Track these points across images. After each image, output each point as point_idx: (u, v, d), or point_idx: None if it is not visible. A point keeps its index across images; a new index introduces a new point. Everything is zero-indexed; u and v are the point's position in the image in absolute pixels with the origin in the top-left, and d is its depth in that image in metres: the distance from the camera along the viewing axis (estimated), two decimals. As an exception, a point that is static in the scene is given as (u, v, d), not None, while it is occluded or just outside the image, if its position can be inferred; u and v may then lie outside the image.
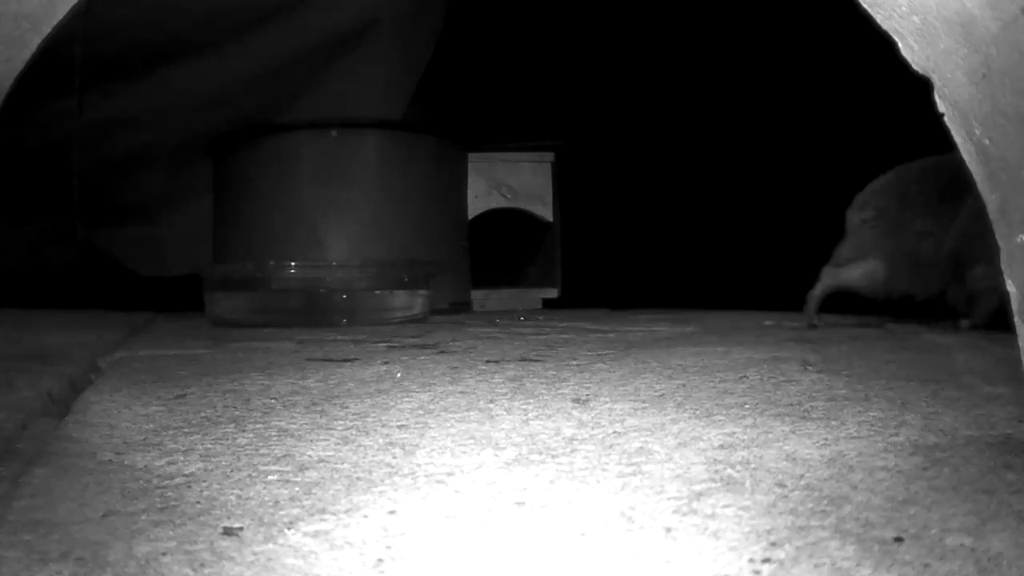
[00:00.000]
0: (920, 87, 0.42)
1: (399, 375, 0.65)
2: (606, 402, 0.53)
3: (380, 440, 0.44)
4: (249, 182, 1.43)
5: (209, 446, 0.43)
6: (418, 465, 0.39)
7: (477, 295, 1.55)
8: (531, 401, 0.54)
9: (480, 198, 1.54)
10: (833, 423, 0.47)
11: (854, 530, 0.30)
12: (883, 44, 0.42)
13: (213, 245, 1.50)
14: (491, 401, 0.54)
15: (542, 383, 0.61)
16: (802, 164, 1.75)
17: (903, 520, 0.31)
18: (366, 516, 0.32)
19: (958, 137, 0.41)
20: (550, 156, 1.59)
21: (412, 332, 1.02)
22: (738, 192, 1.82)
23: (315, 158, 1.39)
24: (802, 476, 0.37)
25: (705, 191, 1.84)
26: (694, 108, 1.82)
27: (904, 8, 0.40)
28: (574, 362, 0.71)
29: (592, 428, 0.46)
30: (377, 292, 1.21)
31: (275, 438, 0.45)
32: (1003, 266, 0.40)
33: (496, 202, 1.55)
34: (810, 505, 0.33)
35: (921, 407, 0.51)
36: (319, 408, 0.53)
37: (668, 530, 0.30)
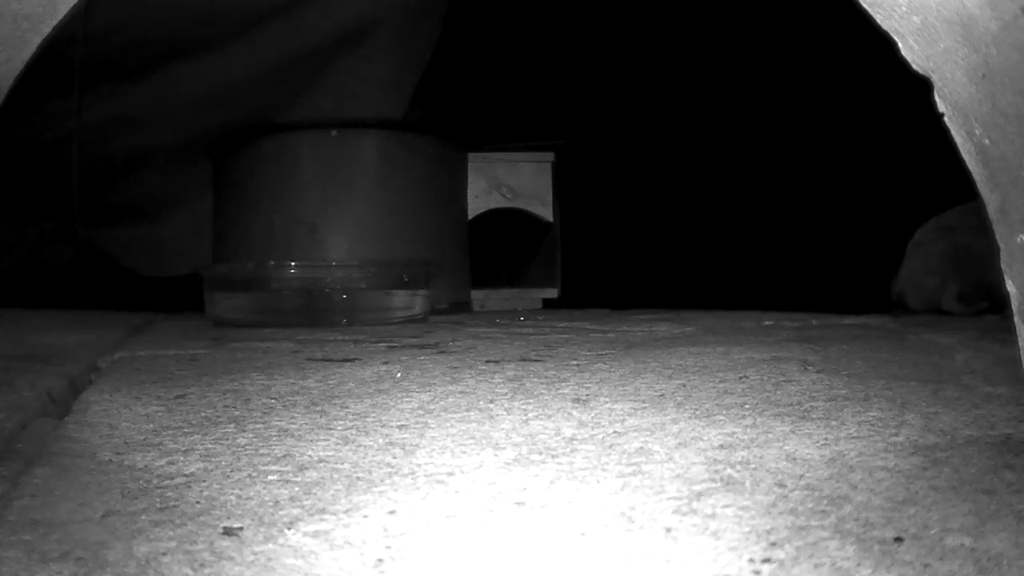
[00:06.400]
0: (920, 87, 0.42)
1: (399, 375, 0.65)
2: (606, 402, 0.53)
3: (380, 440, 0.44)
4: (249, 182, 1.43)
5: (209, 446, 0.43)
6: (418, 465, 0.39)
7: (477, 295, 1.55)
8: (531, 401, 0.54)
9: (480, 198, 1.54)
10: (833, 423, 0.47)
11: (854, 530, 0.30)
12: (882, 44, 0.42)
13: (213, 245, 1.50)
14: (491, 401, 0.54)
15: (542, 383, 0.61)
16: (802, 164, 1.75)
17: (903, 520, 0.31)
18: (366, 516, 0.32)
19: (958, 137, 0.41)
20: (550, 156, 1.59)
21: (412, 332, 1.02)
22: (738, 192, 1.82)
23: (315, 158, 1.39)
24: (802, 476, 0.37)
25: (705, 191, 1.84)
26: (694, 108, 1.82)
27: (904, 8, 0.40)
28: (574, 362, 0.71)
29: (592, 428, 0.46)
30: (377, 292, 1.21)
31: (275, 438, 0.45)
32: (1003, 266, 0.40)
33: (496, 202, 1.55)
34: (810, 505, 0.33)
35: (921, 407, 0.51)
36: (319, 408, 0.53)
37: (668, 530, 0.30)
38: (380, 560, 0.28)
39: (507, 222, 1.59)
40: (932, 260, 1.24)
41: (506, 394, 0.56)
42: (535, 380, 0.62)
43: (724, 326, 1.02)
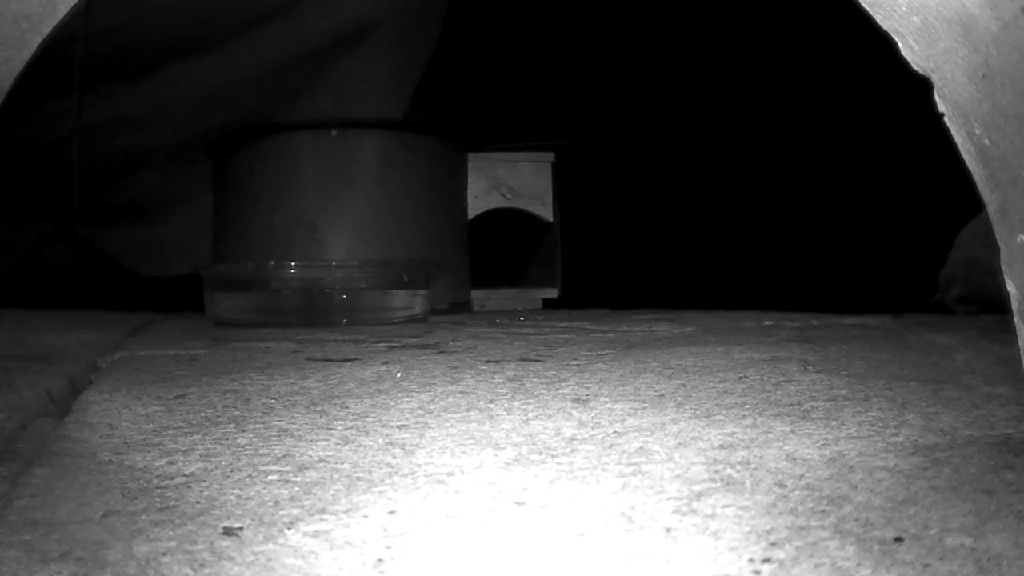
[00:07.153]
0: (919, 87, 0.42)
1: (399, 375, 0.65)
2: (606, 402, 0.53)
3: (380, 440, 0.44)
4: (249, 182, 1.43)
5: (209, 446, 0.43)
6: (418, 465, 0.39)
7: (477, 295, 1.55)
8: (531, 401, 0.54)
9: (480, 198, 1.54)
10: (833, 423, 0.47)
11: (854, 530, 0.30)
12: (883, 43, 0.42)
13: (213, 245, 1.50)
14: (491, 401, 0.54)
15: (542, 383, 0.61)
16: (801, 164, 1.75)
17: (903, 520, 0.31)
18: (366, 516, 0.32)
19: (958, 137, 0.41)
20: (550, 156, 1.59)
21: (412, 332, 1.02)
22: (738, 192, 1.82)
23: (315, 158, 1.39)
24: (802, 476, 0.37)
25: (705, 191, 1.84)
26: (694, 108, 1.82)
27: (904, 8, 0.40)
28: (574, 362, 0.71)
29: (592, 428, 0.46)
30: (377, 292, 1.21)
31: (275, 438, 0.45)
32: (1003, 266, 0.40)
33: (496, 202, 1.55)
34: (810, 505, 0.33)
35: (921, 407, 0.51)
36: (319, 408, 0.53)
37: (668, 530, 0.30)
38: (380, 560, 0.28)
39: (507, 222, 1.59)
40: (958, 256, 1.29)
41: (506, 394, 0.56)
42: (535, 380, 0.62)
43: (724, 326, 1.02)
